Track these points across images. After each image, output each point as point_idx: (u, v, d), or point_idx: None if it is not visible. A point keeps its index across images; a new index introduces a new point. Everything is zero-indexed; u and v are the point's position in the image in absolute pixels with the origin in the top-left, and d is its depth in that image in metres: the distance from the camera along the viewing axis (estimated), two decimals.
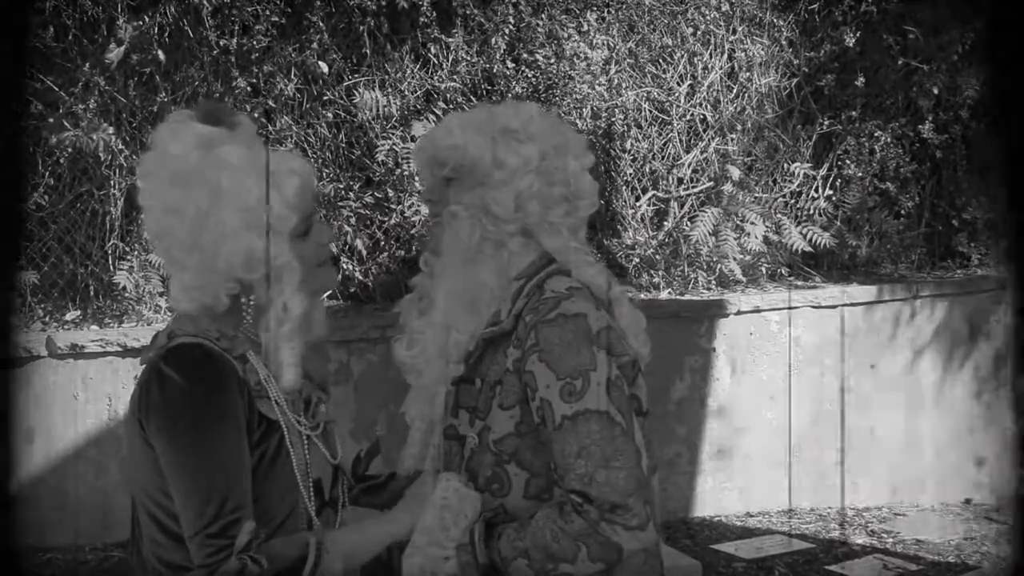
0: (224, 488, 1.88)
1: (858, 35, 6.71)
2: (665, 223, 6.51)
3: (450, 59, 6.07)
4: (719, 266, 6.37)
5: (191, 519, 1.88)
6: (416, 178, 5.86)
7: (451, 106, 6.07)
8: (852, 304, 6.18)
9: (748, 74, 6.70)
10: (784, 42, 6.78)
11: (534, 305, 1.96)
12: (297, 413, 2.05)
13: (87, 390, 5.13)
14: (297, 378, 2.02)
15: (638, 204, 6.46)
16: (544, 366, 1.89)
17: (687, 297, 6.20)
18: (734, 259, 6.33)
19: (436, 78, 6.07)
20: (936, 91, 6.80)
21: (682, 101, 6.57)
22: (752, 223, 6.42)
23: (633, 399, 1.96)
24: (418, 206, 5.86)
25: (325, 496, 2.10)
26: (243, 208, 1.96)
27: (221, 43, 5.62)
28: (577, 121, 6.22)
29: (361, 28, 5.93)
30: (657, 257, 6.36)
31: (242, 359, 1.99)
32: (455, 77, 6.08)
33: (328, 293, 2.23)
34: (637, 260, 6.34)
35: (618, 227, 6.37)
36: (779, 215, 6.61)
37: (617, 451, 1.85)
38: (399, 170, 5.87)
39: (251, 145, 2.03)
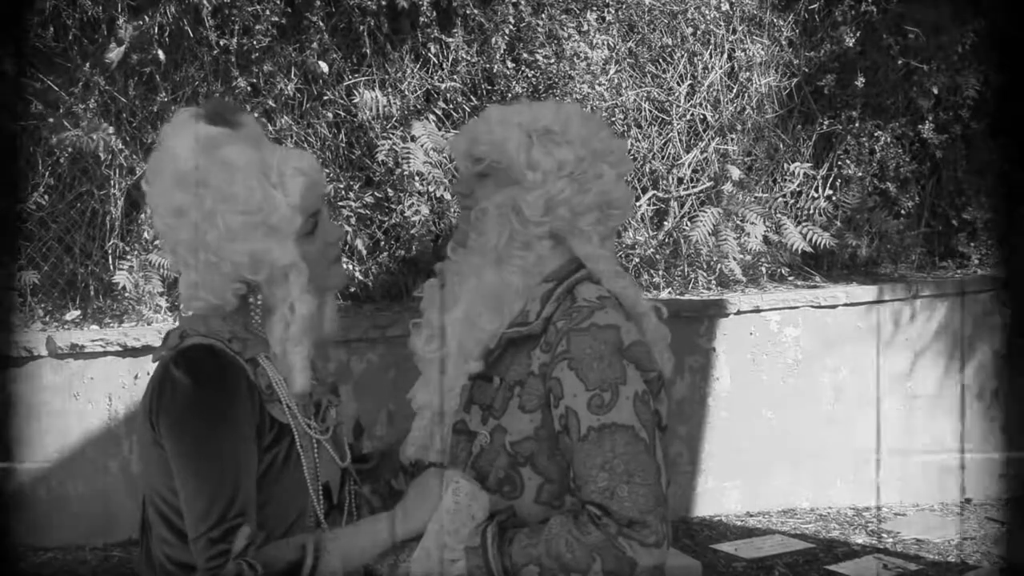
0: (229, 492, 1.87)
1: (858, 35, 6.71)
2: (665, 223, 6.51)
3: (450, 59, 6.08)
4: (719, 266, 6.37)
5: (194, 522, 1.88)
6: (416, 178, 5.86)
7: (451, 106, 6.07)
8: (852, 304, 6.18)
9: (748, 74, 6.70)
10: (784, 42, 6.78)
11: (566, 311, 1.94)
12: (308, 417, 2.04)
13: (87, 390, 5.13)
14: (307, 381, 2.00)
15: (638, 204, 6.46)
16: (573, 375, 1.88)
17: (687, 297, 6.20)
18: (734, 259, 6.33)
19: (436, 78, 6.07)
20: (936, 91, 6.80)
21: (682, 101, 6.57)
22: (752, 223, 6.43)
23: (655, 413, 1.94)
24: (418, 206, 5.86)
25: (333, 499, 2.09)
26: (247, 209, 1.94)
27: (221, 43, 5.62)
28: None
29: (361, 28, 5.93)
30: (657, 257, 6.36)
31: (253, 362, 1.98)
32: (455, 77, 6.08)
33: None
34: (637, 260, 6.35)
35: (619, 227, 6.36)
36: (779, 215, 6.61)
37: (640, 467, 1.84)
38: (399, 170, 5.87)
39: (255, 144, 2.01)
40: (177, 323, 2.07)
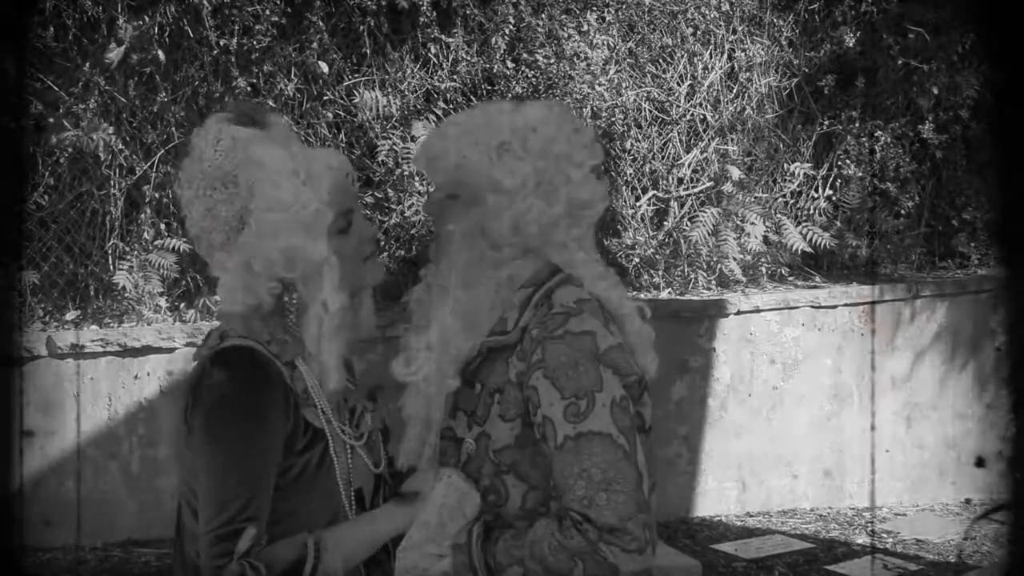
0: (246, 495, 1.89)
1: (858, 35, 6.71)
2: (665, 223, 6.51)
3: (450, 59, 6.08)
4: (719, 266, 6.37)
5: (206, 518, 1.90)
6: (416, 178, 5.86)
7: (451, 106, 6.07)
8: (852, 304, 6.18)
9: (748, 74, 6.70)
10: (784, 42, 6.78)
11: (541, 319, 1.91)
12: (342, 422, 2.05)
13: (87, 390, 5.13)
14: (341, 379, 2.01)
15: (638, 204, 6.46)
16: (548, 383, 1.86)
17: (687, 297, 6.20)
18: (734, 259, 6.33)
19: (436, 78, 6.07)
20: (936, 91, 6.80)
21: (682, 101, 6.57)
22: (752, 223, 6.42)
23: (637, 416, 1.92)
24: (418, 206, 5.86)
25: (366, 505, 2.08)
26: (278, 207, 1.95)
27: (221, 43, 5.62)
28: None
29: (361, 28, 5.93)
30: (657, 257, 6.36)
31: (290, 365, 1.99)
32: (455, 77, 6.08)
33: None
34: (637, 260, 6.34)
35: (618, 227, 6.37)
36: (779, 215, 6.60)
37: (618, 475, 1.82)
38: (399, 170, 5.87)
39: (285, 144, 2.02)
40: (217, 322, 2.07)
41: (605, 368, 1.86)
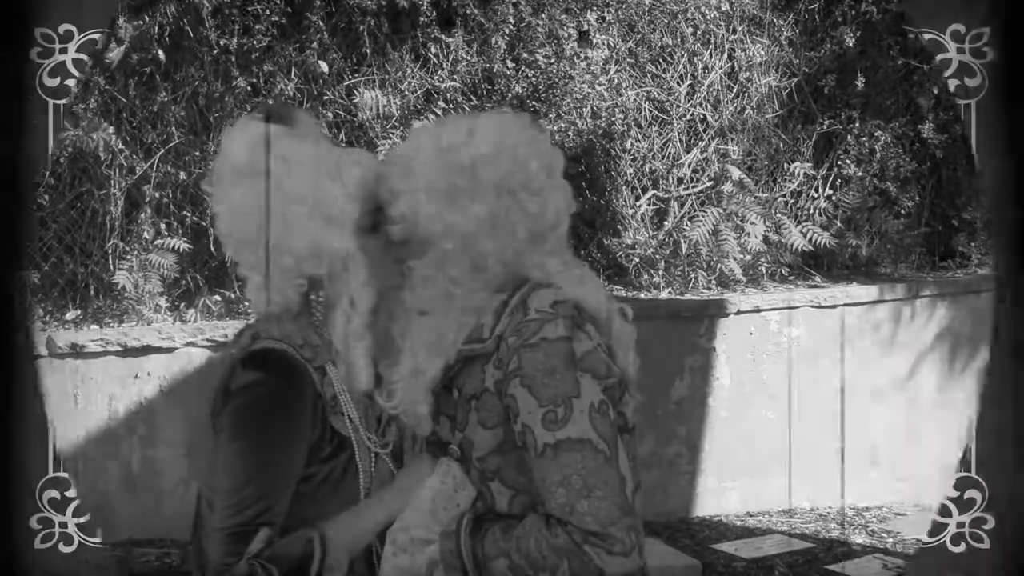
0: (265, 500, 1.88)
1: (858, 35, 6.71)
2: (665, 223, 6.51)
3: (450, 59, 6.08)
4: (719, 266, 6.37)
5: (222, 516, 1.89)
6: None
7: (451, 106, 6.07)
8: (852, 304, 6.18)
9: (748, 74, 6.70)
10: (784, 42, 6.78)
11: (517, 326, 1.89)
12: (369, 430, 2.04)
13: (87, 390, 5.13)
14: (370, 378, 1.99)
15: (638, 204, 6.46)
16: (526, 391, 1.84)
17: (687, 297, 6.20)
18: (734, 259, 6.33)
19: (436, 78, 6.07)
20: (936, 91, 6.80)
21: (682, 101, 6.57)
22: (752, 223, 6.43)
23: (619, 416, 1.91)
24: None
25: None
26: (304, 201, 1.94)
27: (221, 43, 5.62)
28: (577, 121, 6.22)
29: (361, 28, 5.93)
30: (657, 257, 6.36)
31: (321, 371, 1.97)
32: (455, 77, 6.08)
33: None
34: (637, 260, 6.34)
35: (618, 227, 6.37)
36: (779, 215, 6.61)
37: (600, 480, 1.81)
38: None
39: (313, 140, 2.01)
40: (251, 321, 2.06)
41: (583, 373, 1.85)
